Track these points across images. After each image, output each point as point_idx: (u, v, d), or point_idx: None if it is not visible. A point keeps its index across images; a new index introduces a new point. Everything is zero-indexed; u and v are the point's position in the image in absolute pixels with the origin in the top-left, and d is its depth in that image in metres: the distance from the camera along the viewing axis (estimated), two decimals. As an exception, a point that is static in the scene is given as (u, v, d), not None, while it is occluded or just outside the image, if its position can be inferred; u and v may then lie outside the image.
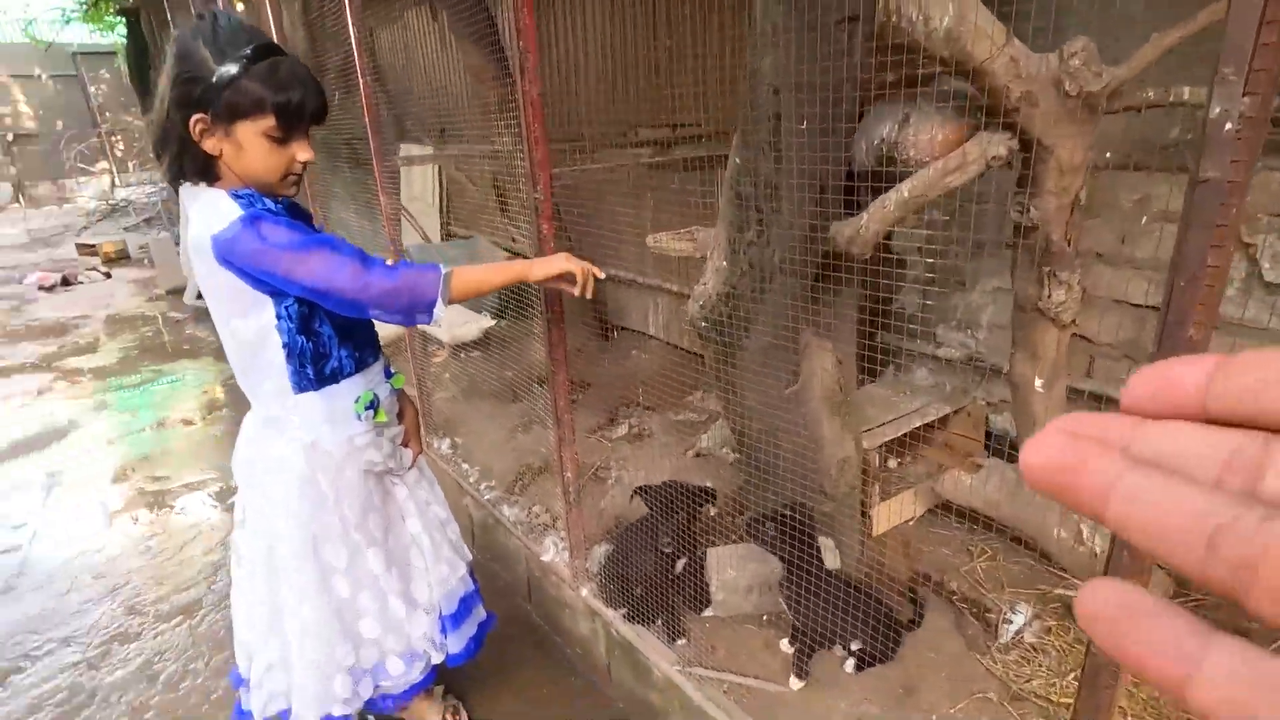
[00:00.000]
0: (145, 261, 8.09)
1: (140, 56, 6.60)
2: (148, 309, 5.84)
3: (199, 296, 5.56)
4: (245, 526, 1.27)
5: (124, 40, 10.92)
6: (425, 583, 1.40)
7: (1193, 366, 0.17)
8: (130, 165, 12.86)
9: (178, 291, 6.18)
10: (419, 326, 1.48)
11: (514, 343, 2.69)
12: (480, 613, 1.52)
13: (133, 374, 4.20)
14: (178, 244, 6.46)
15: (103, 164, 12.59)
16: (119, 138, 12.75)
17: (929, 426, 1.84)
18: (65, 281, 6.89)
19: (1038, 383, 1.29)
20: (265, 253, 1.03)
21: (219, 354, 4.02)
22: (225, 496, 2.69)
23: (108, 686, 1.83)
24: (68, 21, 10.11)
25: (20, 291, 6.72)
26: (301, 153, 1.10)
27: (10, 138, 11.92)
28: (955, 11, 1.02)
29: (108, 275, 7.24)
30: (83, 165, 12.17)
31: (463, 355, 3.04)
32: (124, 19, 6.61)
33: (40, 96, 12.12)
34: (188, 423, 3.45)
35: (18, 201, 11.95)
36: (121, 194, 11.84)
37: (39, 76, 11.99)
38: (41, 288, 6.75)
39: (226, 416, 3.48)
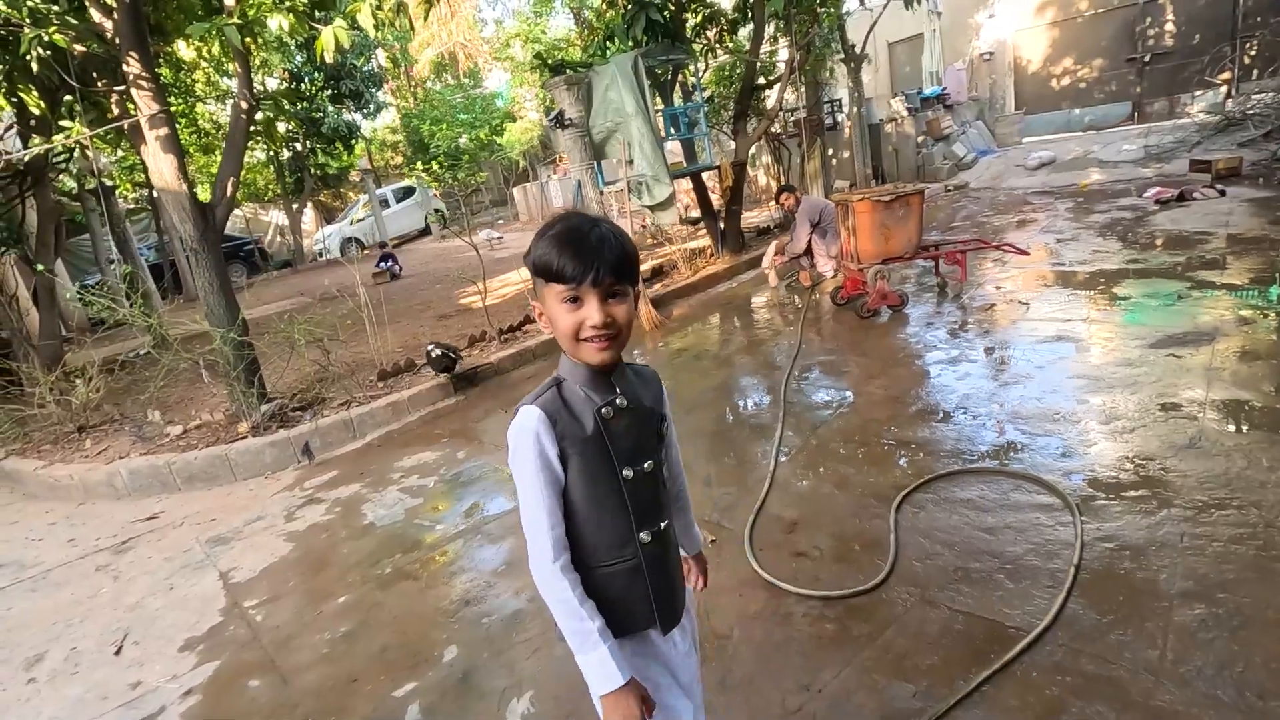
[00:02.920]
0: (1259, 180, 7.73)
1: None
2: (1273, 232, 5.66)
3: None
4: None
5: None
6: None
7: None
8: (1253, 73, 12.05)
9: (1311, 216, 5.71)
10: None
11: None
12: None
13: (1269, 296, 4.27)
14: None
15: (1225, 75, 12.26)
16: (1252, 44, 12.03)
17: None
18: (1180, 198, 7.39)
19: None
20: None
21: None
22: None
23: None
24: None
25: (1139, 204, 7.65)
26: None
27: (1147, 58, 13.02)
28: None
29: (1221, 193, 7.32)
30: (1206, 77, 12.17)
31: None
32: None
33: (1188, 12, 12.56)
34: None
35: (1132, 119, 13.21)
36: (1233, 105, 11.37)
37: (1194, -9, 12.33)
38: (1158, 202, 7.48)
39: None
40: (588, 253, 1.02)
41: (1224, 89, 12.22)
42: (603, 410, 1.12)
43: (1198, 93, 12.49)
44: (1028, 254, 5.84)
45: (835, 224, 6.03)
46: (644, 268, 7.69)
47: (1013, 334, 4.44)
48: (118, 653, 2.74)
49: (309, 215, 22.78)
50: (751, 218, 10.34)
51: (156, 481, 4.35)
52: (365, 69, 17.31)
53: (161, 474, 4.34)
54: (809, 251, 6.64)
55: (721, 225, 8.28)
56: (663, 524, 1.22)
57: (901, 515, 2.69)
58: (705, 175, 8.69)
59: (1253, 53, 12.05)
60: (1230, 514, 2.35)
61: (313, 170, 19.10)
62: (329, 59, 4.79)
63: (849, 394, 4.04)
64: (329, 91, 16.73)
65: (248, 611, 2.89)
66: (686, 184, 9.08)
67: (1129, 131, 12.20)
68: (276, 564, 3.27)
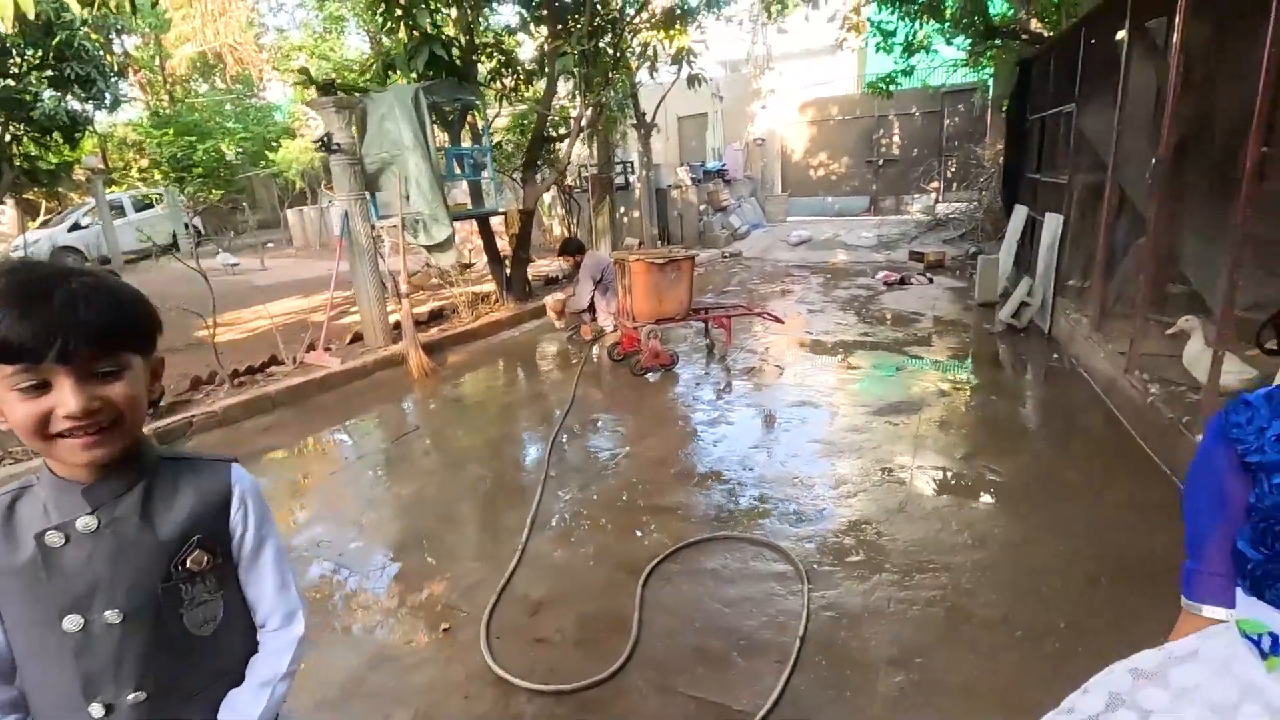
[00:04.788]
0: (957, 272, 9.38)
1: (1020, 97, 7.49)
2: (964, 317, 6.82)
3: (1013, 316, 6.15)
4: None
5: (989, 79, 12.47)
6: None
7: None
8: (953, 185, 14.89)
9: (988, 305, 6.99)
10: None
11: None
12: None
13: (960, 371, 5.07)
14: (999, 265, 7.24)
15: (934, 183, 14.99)
16: (952, 162, 14.89)
17: None
18: (902, 281, 8.70)
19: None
20: None
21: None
22: (1051, 511, 3.02)
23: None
24: (955, 69, 12.30)
25: (872, 284, 8.87)
26: None
27: (880, 162, 15.52)
28: None
29: (930, 280, 8.76)
30: (921, 185, 14.76)
31: None
32: (1019, 67, 7.56)
33: (910, 129, 15.25)
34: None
35: (870, 211, 15.58)
36: (941, 209, 13.90)
37: (913, 113, 15.02)
38: (886, 284, 8.74)
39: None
40: (47, 317, 0.75)
41: (933, 195, 14.93)
42: (48, 535, 0.83)
43: (915, 195, 15.12)
44: (783, 322, 6.40)
45: (615, 281, 6.14)
46: (421, 310, 7.20)
47: (766, 398, 4.75)
48: None
49: (8, 215, 18.54)
50: (542, 266, 10.30)
51: None
52: (99, 53, 14.69)
53: None
54: (591, 306, 6.69)
55: (508, 272, 8.09)
56: (132, 696, 0.88)
57: (649, 589, 2.61)
58: (493, 221, 8.47)
59: (953, 169, 14.91)
60: (927, 577, 2.59)
61: (16, 161, 15.62)
62: (6, 29, 3.86)
63: (616, 455, 3.99)
64: (49, 72, 13.91)
65: None
66: (472, 227, 8.79)
67: (867, 221, 14.34)
68: None
